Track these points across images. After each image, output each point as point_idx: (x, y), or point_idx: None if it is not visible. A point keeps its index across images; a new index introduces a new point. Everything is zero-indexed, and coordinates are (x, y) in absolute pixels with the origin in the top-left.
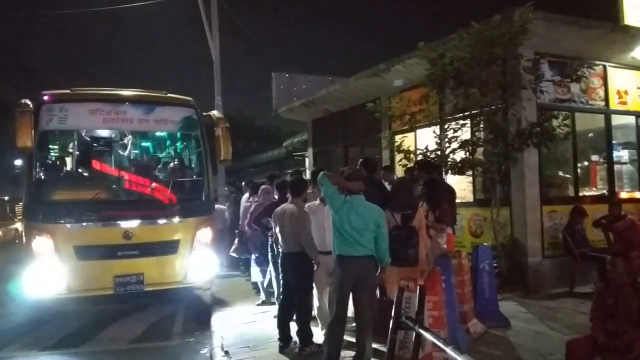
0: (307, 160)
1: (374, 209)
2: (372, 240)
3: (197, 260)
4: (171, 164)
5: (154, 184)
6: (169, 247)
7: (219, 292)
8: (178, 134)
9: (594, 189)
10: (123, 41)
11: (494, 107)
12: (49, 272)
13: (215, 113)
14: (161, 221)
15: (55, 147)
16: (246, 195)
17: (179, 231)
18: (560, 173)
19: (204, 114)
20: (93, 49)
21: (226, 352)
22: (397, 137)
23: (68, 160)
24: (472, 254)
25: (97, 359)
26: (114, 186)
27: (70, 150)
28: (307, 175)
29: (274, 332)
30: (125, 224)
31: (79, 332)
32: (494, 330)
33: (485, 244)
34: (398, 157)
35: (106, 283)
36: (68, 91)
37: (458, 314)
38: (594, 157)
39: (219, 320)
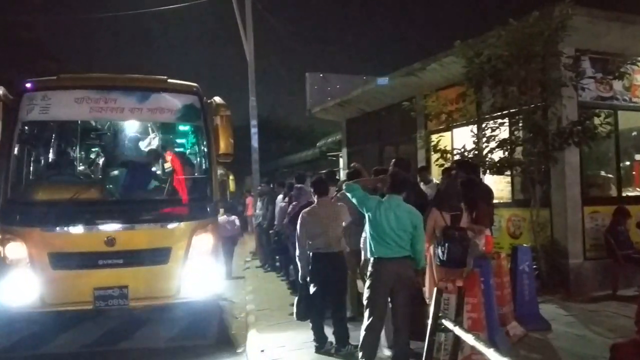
0: (341, 160)
1: (412, 210)
2: (409, 241)
3: (192, 271)
4: (167, 160)
5: (143, 182)
6: (158, 256)
7: (256, 290)
8: (178, 124)
9: (637, 189)
10: (157, 42)
11: (533, 105)
12: (21, 282)
13: (216, 99)
14: (149, 225)
15: (36, 140)
16: (281, 195)
17: (171, 237)
18: (603, 173)
19: (209, 101)
20: (125, 49)
21: (261, 352)
22: (434, 137)
23: (48, 155)
24: (511, 255)
25: (135, 357)
26: (96, 185)
27: (51, 145)
28: (342, 176)
29: (311, 333)
30: (107, 229)
31: (116, 330)
32: (534, 333)
33: (524, 245)
34: (434, 157)
35: (85, 296)
36: (54, 78)
37: (497, 317)
38: (638, 157)
39: (255, 319)
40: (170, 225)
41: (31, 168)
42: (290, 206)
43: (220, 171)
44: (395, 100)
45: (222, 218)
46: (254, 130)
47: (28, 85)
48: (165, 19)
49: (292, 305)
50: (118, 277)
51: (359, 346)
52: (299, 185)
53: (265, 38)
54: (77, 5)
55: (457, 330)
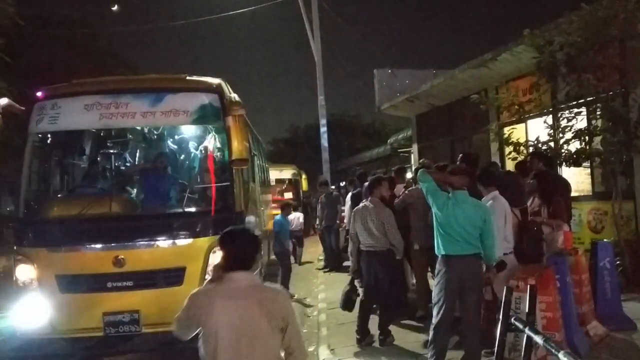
0: (412, 156)
1: (480, 205)
2: (478, 238)
3: None
4: (182, 167)
5: (153, 195)
6: (171, 277)
7: (328, 289)
8: (195, 127)
9: None
10: (225, 45)
11: (611, 92)
12: (31, 307)
13: (232, 96)
14: (160, 243)
15: (45, 154)
16: (350, 194)
17: (185, 255)
18: None
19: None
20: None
21: (331, 350)
22: (506, 129)
23: (57, 169)
24: (590, 251)
25: None
26: (104, 200)
27: (59, 158)
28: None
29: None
30: (116, 248)
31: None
32: (617, 333)
33: (605, 240)
34: (507, 150)
35: (94, 322)
36: (65, 84)
37: (576, 316)
38: None
39: (326, 317)
40: (184, 242)
41: (40, 184)
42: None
43: (292, 170)
44: (466, 93)
45: (290, 216)
46: (323, 129)
47: (39, 94)
48: (232, 22)
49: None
50: (128, 301)
51: (428, 346)
52: (367, 184)
53: (333, 37)
54: (150, 14)
55: (528, 331)
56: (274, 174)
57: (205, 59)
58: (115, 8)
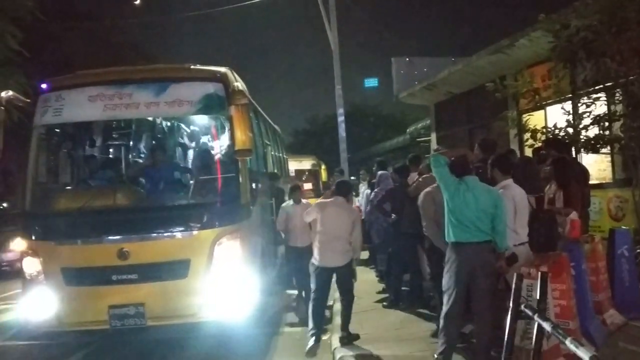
0: (431, 145)
1: (491, 190)
2: (489, 224)
3: (216, 287)
4: (187, 158)
5: (156, 186)
6: (175, 269)
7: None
8: (199, 117)
9: None
10: (240, 35)
11: (632, 77)
12: (39, 300)
13: (235, 85)
14: (163, 234)
15: (50, 146)
16: (364, 184)
17: (189, 247)
18: None
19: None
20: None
21: (344, 338)
22: (524, 116)
23: (62, 162)
24: (608, 239)
25: None
26: (107, 192)
27: (65, 149)
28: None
29: (394, 320)
30: (120, 240)
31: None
32: (636, 322)
33: (623, 227)
34: (525, 137)
35: (100, 315)
36: (69, 75)
37: (591, 304)
38: None
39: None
40: (188, 234)
41: (46, 176)
42: (373, 193)
43: (312, 161)
44: (485, 80)
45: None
46: (341, 119)
47: (43, 85)
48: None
49: (379, 293)
50: (133, 294)
51: (438, 334)
52: (380, 172)
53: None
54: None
55: (538, 318)
56: (294, 165)
57: (224, 49)
58: (137, 2)
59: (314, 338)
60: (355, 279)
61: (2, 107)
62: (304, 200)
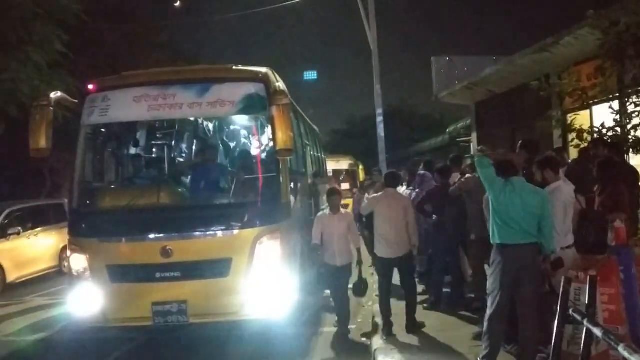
0: (472, 145)
1: (539, 191)
2: (536, 226)
3: (256, 285)
4: (229, 158)
5: (199, 185)
6: (217, 268)
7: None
8: (241, 117)
9: None
10: (281, 35)
11: None
12: (85, 296)
13: (276, 85)
14: (205, 234)
15: (97, 145)
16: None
17: (231, 247)
18: None
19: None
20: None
21: (384, 338)
22: (569, 116)
23: (108, 161)
24: None
25: None
26: (151, 191)
27: (111, 149)
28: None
29: (434, 323)
30: (163, 238)
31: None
32: None
33: None
34: (570, 137)
35: (144, 312)
36: (116, 76)
37: None
38: None
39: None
40: (229, 233)
41: (92, 175)
42: (414, 193)
43: (349, 161)
44: (527, 79)
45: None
46: (379, 119)
47: (90, 87)
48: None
49: (419, 295)
50: (176, 292)
51: (482, 337)
52: (422, 172)
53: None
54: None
55: (587, 323)
56: (331, 165)
57: (263, 49)
58: (177, 3)
59: (387, 330)
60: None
61: (51, 108)
62: (342, 210)
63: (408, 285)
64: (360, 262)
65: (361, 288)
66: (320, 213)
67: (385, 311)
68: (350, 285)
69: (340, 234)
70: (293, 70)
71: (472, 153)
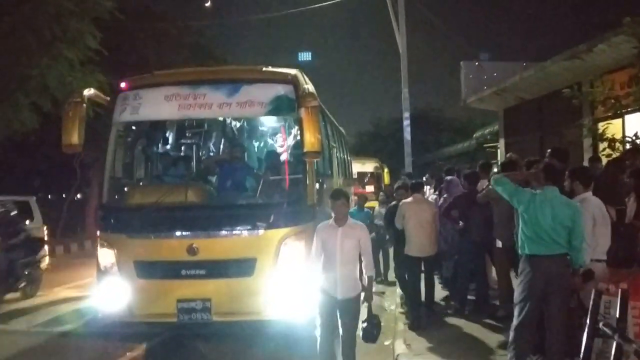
0: (498, 152)
1: (570, 203)
2: (566, 237)
3: (280, 286)
4: (256, 159)
5: (227, 185)
6: (242, 267)
7: None
8: (269, 118)
9: None
10: (309, 36)
11: None
12: (112, 290)
13: (306, 87)
14: (231, 233)
15: (128, 142)
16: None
17: (255, 246)
18: None
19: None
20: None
21: (407, 345)
22: (601, 125)
23: (139, 157)
24: None
25: None
26: (180, 189)
27: (142, 146)
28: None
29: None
30: (190, 236)
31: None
32: None
33: None
34: (602, 146)
35: (169, 308)
36: (148, 75)
37: None
38: None
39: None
40: (255, 233)
41: (122, 172)
42: (441, 199)
43: (375, 164)
44: (558, 87)
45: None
46: (406, 123)
47: (122, 85)
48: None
49: (442, 301)
50: (201, 289)
51: (508, 347)
52: (449, 178)
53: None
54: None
55: (618, 338)
56: (356, 167)
57: (290, 50)
58: (208, 4)
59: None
60: None
61: (84, 104)
62: (352, 221)
63: (430, 279)
64: (369, 298)
65: (373, 333)
66: (321, 224)
67: (414, 301)
68: (359, 331)
69: (346, 255)
70: (320, 71)
71: (498, 159)
